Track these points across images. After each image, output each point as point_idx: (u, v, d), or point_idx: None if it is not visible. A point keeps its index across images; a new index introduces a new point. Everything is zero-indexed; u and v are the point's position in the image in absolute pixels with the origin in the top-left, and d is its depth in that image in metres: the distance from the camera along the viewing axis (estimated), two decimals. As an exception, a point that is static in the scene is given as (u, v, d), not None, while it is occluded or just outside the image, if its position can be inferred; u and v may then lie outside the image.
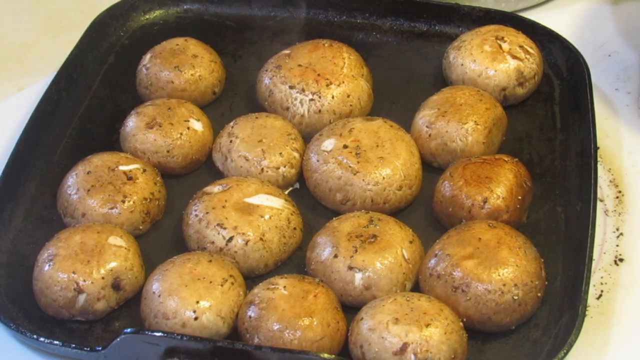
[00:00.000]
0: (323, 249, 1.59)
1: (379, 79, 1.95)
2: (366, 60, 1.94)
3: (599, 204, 1.73)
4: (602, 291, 1.63)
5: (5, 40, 2.19)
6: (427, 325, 1.44)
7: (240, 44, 2.07)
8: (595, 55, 2.04)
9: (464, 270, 1.51)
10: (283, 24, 2.10)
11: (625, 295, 1.63)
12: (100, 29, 2.03)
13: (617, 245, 1.70)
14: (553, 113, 1.90)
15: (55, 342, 1.49)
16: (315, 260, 1.59)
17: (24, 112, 1.90)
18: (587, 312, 1.56)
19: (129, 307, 1.59)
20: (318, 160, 1.72)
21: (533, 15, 2.05)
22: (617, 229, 1.72)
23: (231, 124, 1.81)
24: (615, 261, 1.67)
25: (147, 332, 1.45)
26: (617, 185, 1.80)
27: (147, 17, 2.12)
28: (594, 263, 1.63)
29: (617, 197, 1.78)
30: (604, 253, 1.69)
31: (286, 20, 2.10)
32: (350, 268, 1.55)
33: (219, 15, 2.13)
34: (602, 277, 1.65)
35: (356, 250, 1.56)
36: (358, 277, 1.55)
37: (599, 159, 1.82)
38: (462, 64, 1.89)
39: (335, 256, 1.57)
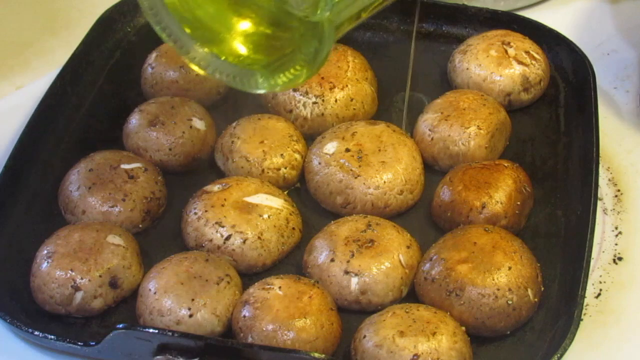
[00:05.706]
0: (320, 253, 1.59)
1: (384, 80, 1.94)
2: (372, 61, 1.93)
3: (598, 203, 1.72)
4: (600, 290, 1.63)
5: (4, 38, 2.19)
6: (434, 334, 1.44)
7: (245, 44, 2.07)
8: (594, 54, 2.01)
9: (458, 274, 1.51)
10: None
11: (624, 294, 1.63)
12: (107, 25, 2.02)
13: (616, 244, 1.69)
14: (557, 116, 1.89)
15: (50, 336, 1.50)
16: (312, 263, 1.59)
17: (21, 110, 1.90)
18: (585, 311, 1.57)
19: (126, 303, 1.59)
20: (320, 163, 1.72)
21: (532, 14, 2.04)
22: (616, 228, 1.72)
23: (233, 124, 1.80)
24: (614, 260, 1.67)
25: (138, 328, 1.45)
26: (616, 184, 1.79)
27: (155, 14, 2.12)
28: (592, 262, 1.63)
29: (616, 196, 1.77)
30: (603, 252, 1.68)
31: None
32: (347, 272, 1.56)
33: (226, 14, 2.12)
34: (600, 276, 1.65)
35: (353, 255, 1.56)
36: (354, 282, 1.55)
37: (598, 158, 1.81)
38: (467, 68, 1.89)
39: (332, 260, 1.57)
